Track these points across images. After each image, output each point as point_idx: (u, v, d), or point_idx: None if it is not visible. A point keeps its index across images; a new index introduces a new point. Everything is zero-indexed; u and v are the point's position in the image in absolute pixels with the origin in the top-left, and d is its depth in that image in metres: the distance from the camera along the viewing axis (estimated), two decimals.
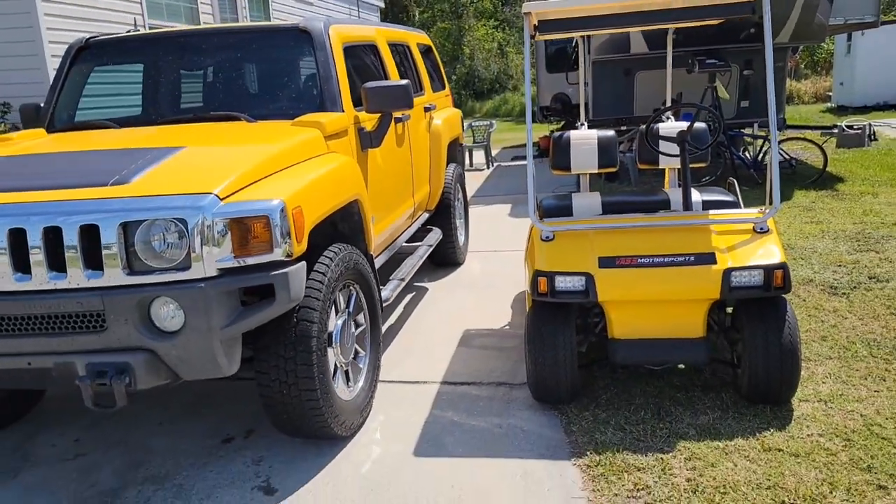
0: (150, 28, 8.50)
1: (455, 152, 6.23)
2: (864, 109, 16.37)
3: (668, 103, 4.82)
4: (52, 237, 2.55)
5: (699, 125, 4.16)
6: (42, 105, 4.13)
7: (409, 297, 5.31)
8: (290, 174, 3.00)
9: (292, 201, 2.76)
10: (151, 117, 3.96)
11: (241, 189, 2.73)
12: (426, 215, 5.52)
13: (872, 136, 10.09)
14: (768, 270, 3.07)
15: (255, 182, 2.82)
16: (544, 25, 3.59)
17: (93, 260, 2.55)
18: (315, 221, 2.96)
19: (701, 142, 4.08)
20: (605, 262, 3.21)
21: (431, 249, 5.16)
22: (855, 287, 4.72)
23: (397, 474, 2.94)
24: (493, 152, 13.13)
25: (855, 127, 9.95)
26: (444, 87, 6.43)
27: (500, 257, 6.28)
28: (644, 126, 4.12)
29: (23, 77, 6.88)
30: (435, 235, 5.38)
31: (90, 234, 2.55)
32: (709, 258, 3.15)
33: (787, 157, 8.96)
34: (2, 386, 2.83)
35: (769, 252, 3.15)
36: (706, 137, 4.13)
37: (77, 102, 4.08)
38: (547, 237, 3.40)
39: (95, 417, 3.63)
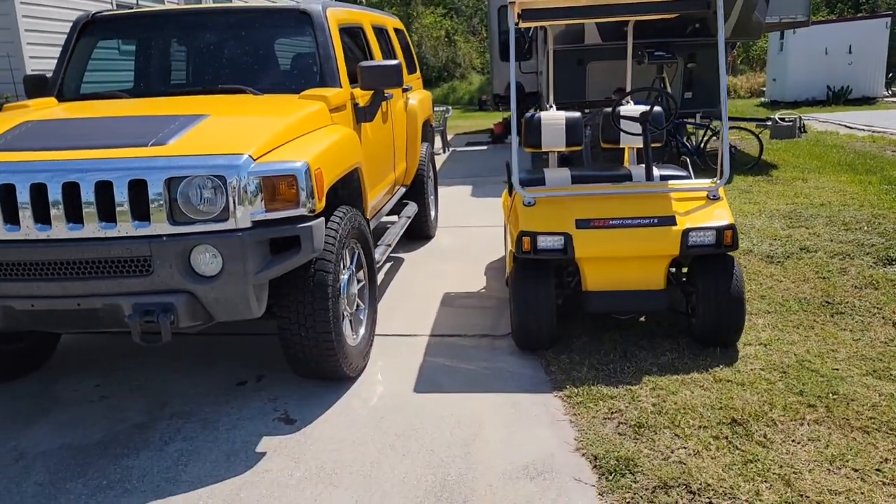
0: (119, 7, 8.57)
1: (427, 132, 6.61)
2: (794, 104, 17.45)
3: (628, 89, 5.31)
4: (103, 191, 2.84)
5: (657, 108, 4.66)
6: (44, 75, 4.34)
7: (388, 266, 5.68)
8: (306, 141, 3.34)
9: (314, 163, 3.11)
10: (158, 89, 4.22)
11: (269, 151, 3.07)
12: (403, 190, 5.90)
13: (802, 129, 10.90)
14: (720, 230, 3.59)
15: (280, 146, 3.16)
16: (526, 14, 4.02)
17: (139, 211, 2.85)
18: (330, 183, 3.32)
19: (658, 123, 4.59)
20: (582, 224, 3.68)
21: (410, 220, 5.55)
22: (788, 256, 5.33)
23: (402, 406, 3.34)
24: (447, 138, 13.52)
25: (787, 120, 10.72)
26: (415, 70, 6.79)
27: (467, 231, 6.71)
28: (609, 109, 4.60)
29: None
30: (412, 208, 5.77)
31: (137, 189, 2.84)
32: (670, 220, 3.65)
33: None
34: (48, 328, 3.09)
35: (721, 215, 3.67)
36: (662, 119, 4.64)
37: (83, 74, 4.30)
38: (529, 202, 3.84)
39: (110, 367, 3.90)
